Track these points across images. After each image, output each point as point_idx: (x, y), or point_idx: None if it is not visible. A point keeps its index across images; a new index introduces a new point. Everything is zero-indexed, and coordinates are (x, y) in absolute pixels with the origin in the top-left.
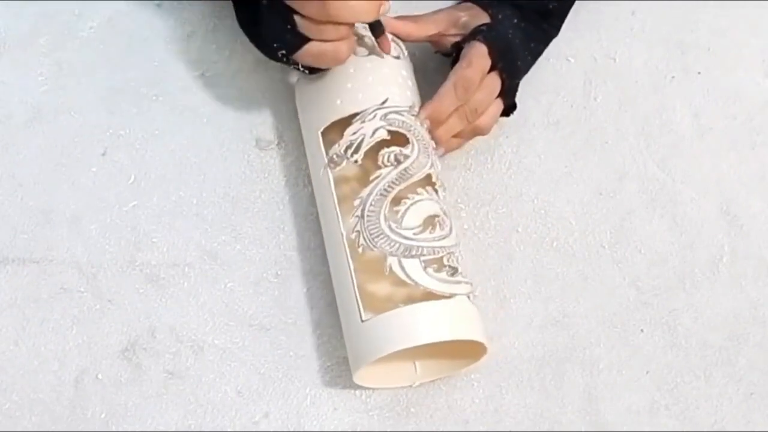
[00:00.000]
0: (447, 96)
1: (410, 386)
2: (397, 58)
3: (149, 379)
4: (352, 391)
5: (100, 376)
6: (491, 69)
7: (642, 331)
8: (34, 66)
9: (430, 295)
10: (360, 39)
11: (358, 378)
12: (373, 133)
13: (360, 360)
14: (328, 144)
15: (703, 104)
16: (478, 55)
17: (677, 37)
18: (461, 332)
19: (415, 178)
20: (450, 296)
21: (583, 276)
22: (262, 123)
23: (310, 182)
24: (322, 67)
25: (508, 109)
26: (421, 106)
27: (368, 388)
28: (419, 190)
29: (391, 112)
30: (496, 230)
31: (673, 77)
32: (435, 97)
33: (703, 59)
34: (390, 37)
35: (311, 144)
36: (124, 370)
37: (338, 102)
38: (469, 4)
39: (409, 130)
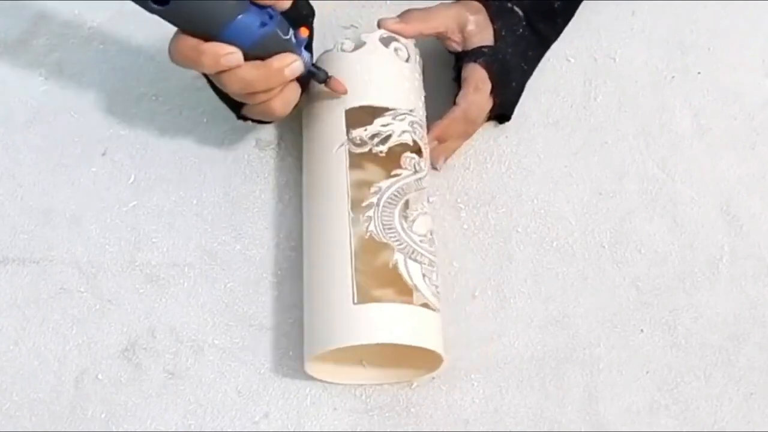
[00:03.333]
0: (456, 121)
1: (410, 386)
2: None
3: (149, 379)
4: (352, 391)
5: (100, 376)
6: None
7: (642, 331)
8: (34, 66)
9: (424, 304)
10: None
11: (309, 367)
12: (401, 133)
13: (339, 340)
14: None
15: (703, 104)
16: (482, 80)
17: (677, 37)
18: (439, 345)
19: (424, 193)
20: (436, 310)
21: (583, 276)
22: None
23: None
24: (273, 120)
25: (500, 117)
26: (429, 127)
27: (368, 389)
28: (425, 203)
29: (416, 122)
30: (496, 230)
31: (673, 77)
32: (444, 120)
33: (703, 59)
34: (404, 41)
35: (328, 119)
36: (124, 370)
37: (374, 91)
38: (478, 5)
39: (425, 146)
